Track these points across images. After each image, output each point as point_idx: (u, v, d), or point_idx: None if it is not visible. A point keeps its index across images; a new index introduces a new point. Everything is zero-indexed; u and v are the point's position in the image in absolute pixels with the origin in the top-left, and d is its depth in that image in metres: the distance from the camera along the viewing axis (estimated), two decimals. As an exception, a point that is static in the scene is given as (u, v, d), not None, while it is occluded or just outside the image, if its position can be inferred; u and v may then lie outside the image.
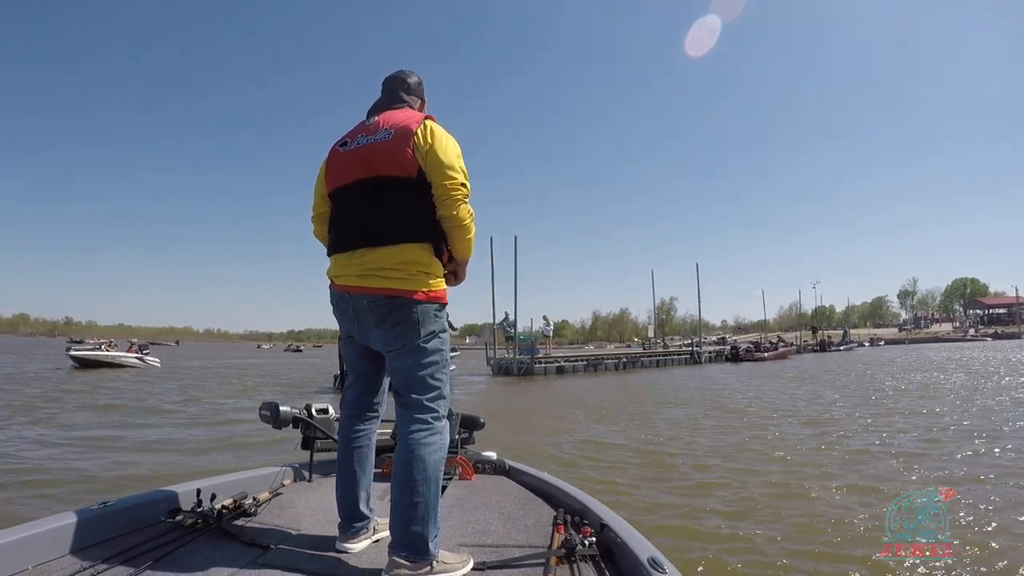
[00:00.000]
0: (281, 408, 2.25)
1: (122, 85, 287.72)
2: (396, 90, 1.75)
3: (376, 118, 1.64)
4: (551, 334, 22.84)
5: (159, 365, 22.31)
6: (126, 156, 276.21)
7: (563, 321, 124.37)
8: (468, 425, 2.71)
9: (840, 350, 46.16)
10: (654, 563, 1.33)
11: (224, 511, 1.74)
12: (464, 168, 1.59)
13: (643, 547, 1.44)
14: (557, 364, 20.91)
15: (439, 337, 1.57)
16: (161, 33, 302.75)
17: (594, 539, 1.55)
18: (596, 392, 13.87)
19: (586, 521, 1.73)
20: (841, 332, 59.52)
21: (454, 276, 1.73)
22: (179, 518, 1.70)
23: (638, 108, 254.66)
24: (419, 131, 1.55)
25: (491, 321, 22.35)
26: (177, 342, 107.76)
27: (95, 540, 1.58)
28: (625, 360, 24.09)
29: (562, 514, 1.82)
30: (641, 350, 29.88)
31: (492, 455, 2.56)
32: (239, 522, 1.76)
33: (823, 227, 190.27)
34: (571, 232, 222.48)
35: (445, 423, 1.57)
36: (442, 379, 1.58)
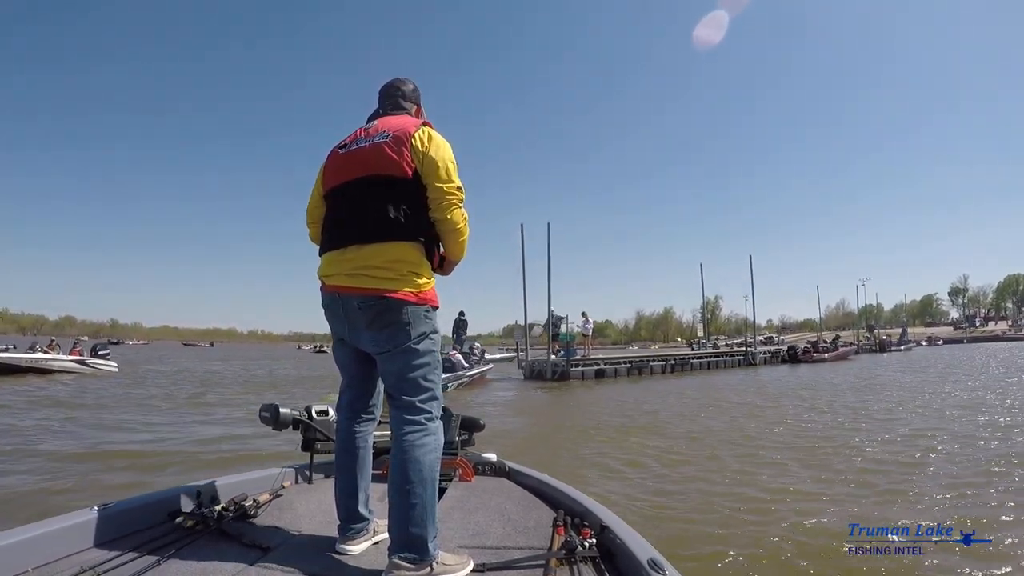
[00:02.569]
0: (281, 410, 2.21)
1: (153, 85, 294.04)
2: (393, 96, 1.77)
3: (375, 122, 1.67)
4: (590, 333, 20.25)
5: (115, 370, 17.62)
6: (169, 156, 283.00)
7: (606, 321, 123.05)
8: (468, 427, 2.65)
9: (900, 350, 43.03)
10: (654, 564, 1.32)
11: (224, 512, 1.73)
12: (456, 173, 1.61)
13: (643, 549, 1.42)
14: (596, 367, 18.34)
15: (430, 338, 1.57)
16: (231, 30, 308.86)
17: (594, 541, 1.55)
18: (641, 404, 10.98)
19: (586, 523, 1.72)
20: (898, 331, 55.19)
21: (440, 268, 1.71)
22: (179, 519, 1.69)
23: (677, 108, 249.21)
24: (417, 135, 1.57)
25: (522, 319, 20.07)
26: (212, 343, 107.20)
27: (95, 542, 1.57)
28: (673, 362, 21.38)
29: (562, 516, 1.80)
30: (690, 350, 27.05)
31: (492, 457, 2.52)
32: (239, 523, 1.74)
33: (866, 226, 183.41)
34: (611, 230, 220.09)
35: (439, 424, 1.57)
36: (434, 380, 1.58)
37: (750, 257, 31.07)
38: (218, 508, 1.75)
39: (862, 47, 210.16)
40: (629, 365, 19.55)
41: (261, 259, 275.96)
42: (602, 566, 1.47)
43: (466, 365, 14.74)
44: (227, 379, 17.09)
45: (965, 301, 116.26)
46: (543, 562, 1.45)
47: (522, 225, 20.18)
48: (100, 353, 17.95)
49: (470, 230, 1.67)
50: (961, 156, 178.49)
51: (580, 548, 1.50)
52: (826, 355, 28.42)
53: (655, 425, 7.96)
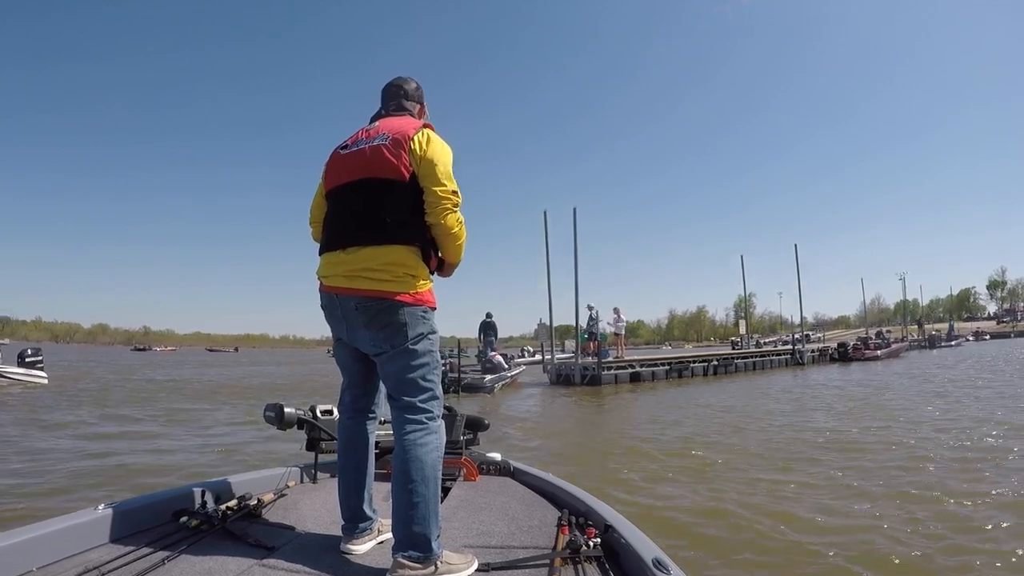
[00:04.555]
0: (286, 409, 2.22)
1: (163, 80, 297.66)
2: (396, 97, 1.78)
3: (377, 123, 1.68)
4: (623, 331, 18.04)
5: (44, 381, 14.21)
6: (193, 156, 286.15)
7: (639, 321, 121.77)
8: (473, 426, 2.65)
9: (951, 345, 40.22)
10: (659, 564, 1.31)
11: (229, 512, 1.74)
12: (453, 178, 1.61)
13: (648, 548, 1.42)
14: (631, 370, 16.16)
15: (428, 339, 1.57)
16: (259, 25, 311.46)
17: (598, 540, 1.54)
18: (702, 425, 8.25)
19: (590, 522, 1.71)
20: (944, 326, 51.97)
21: (439, 270, 1.72)
22: (184, 519, 1.69)
23: (678, 111, 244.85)
24: (416, 137, 1.57)
25: (546, 317, 18.05)
26: (236, 349, 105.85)
27: (100, 541, 1.57)
28: (716, 363, 19.08)
29: (567, 515, 1.79)
30: (731, 350, 24.65)
31: (497, 456, 2.53)
32: (244, 523, 1.75)
33: (890, 220, 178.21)
34: (641, 228, 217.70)
35: (440, 423, 1.57)
36: (434, 380, 1.59)
37: (795, 246, 28.34)
38: (223, 508, 1.75)
39: (878, 42, 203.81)
40: (668, 367, 17.31)
41: (293, 262, 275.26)
42: (606, 565, 1.46)
43: (506, 367, 14.68)
44: (200, 388, 14.93)
45: (1004, 294, 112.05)
46: (547, 561, 1.45)
47: (545, 212, 18.15)
48: (28, 360, 14.33)
49: (468, 233, 1.67)
50: (986, 152, 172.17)
51: (584, 547, 1.48)
52: (879, 352, 26.08)
53: (718, 454, 5.84)
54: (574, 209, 17.45)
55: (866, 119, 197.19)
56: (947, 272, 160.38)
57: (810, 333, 51.19)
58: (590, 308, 16.85)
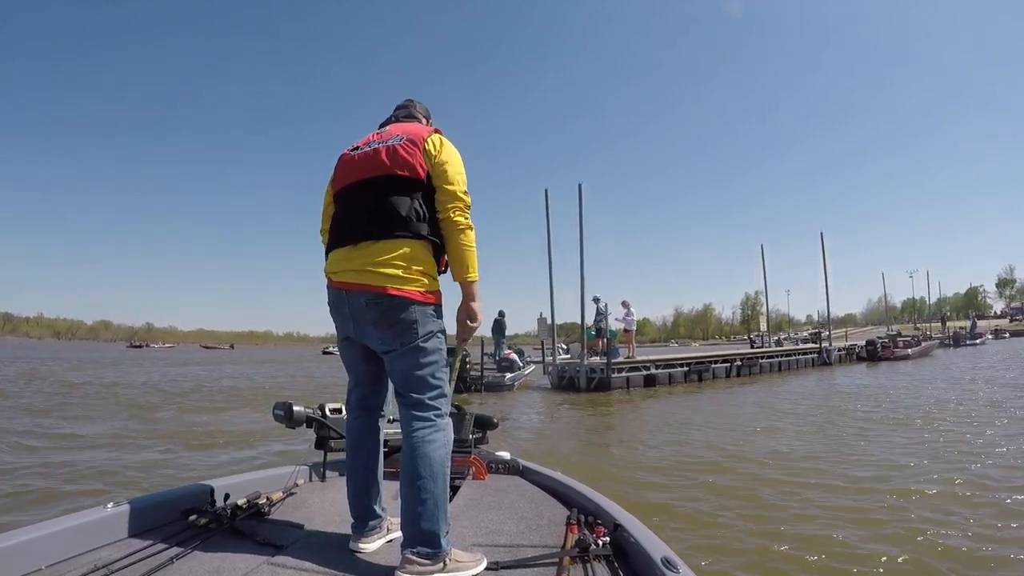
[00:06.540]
0: (295, 408, 2.22)
1: (168, 77, 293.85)
2: (406, 108, 1.83)
3: (388, 127, 1.72)
4: (633, 328, 15.79)
5: None
6: (200, 152, 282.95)
7: (644, 319, 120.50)
8: (482, 425, 2.62)
9: (975, 344, 38.58)
10: (668, 563, 1.30)
11: (238, 511, 1.73)
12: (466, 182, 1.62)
13: (657, 547, 1.40)
14: (645, 372, 13.95)
15: (437, 337, 1.57)
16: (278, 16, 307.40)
17: (607, 539, 1.53)
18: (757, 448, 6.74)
19: (599, 521, 1.70)
20: (966, 323, 49.93)
21: (466, 314, 1.63)
22: (193, 518, 1.68)
23: (675, 113, 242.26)
24: (430, 139, 1.61)
25: (549, 309, 15.94)
26: (232, 346, 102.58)
27: (109, 540, 1.56)
28: (739, 363, 16.90)
29: (576, 514, 1.77)
30: (750, 349, 22.46)
31: (506, 455, 2.51)
32: (253, 522, 1.75)
33: (896, 219, 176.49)
34: (640, 228, 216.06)
35: (448, 420, 1.57)
36: (443, 378, 1.58)
37: (821, 235, 26.17)
38: (232, 506, 1.74)
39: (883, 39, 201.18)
40: (686, 368, 15.09)
41: (297, 260, 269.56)
42: (615, 564, 1.45)
43: (521, 365, 14.72)
44: (126, 395, 12.81)
45: (1013, 293, 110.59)
46: (556, 560, 1.44)
47: (547, 191, 15.84)
48: None
49: (477, 232, 1.66)
50: (986, 152, 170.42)
51: (593, 546, 1.47)
52: (909, 351, 24.10)
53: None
54: (579, 185, 15.25)
55: (866, 119, 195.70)
56: (947, 271, 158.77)
57: (820, 331, 49.35)
58: (596, 300, 14.66)
